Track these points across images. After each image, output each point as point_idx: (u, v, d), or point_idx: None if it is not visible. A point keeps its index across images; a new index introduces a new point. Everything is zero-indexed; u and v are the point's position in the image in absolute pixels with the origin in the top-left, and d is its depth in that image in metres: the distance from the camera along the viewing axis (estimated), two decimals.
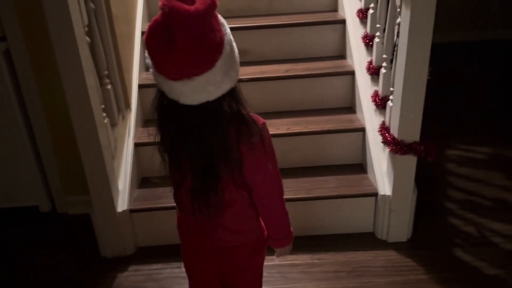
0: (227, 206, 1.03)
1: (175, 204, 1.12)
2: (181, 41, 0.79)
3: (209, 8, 0.81)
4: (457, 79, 3.52)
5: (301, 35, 2.40)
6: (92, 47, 1.74)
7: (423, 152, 1.68)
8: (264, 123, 1.03)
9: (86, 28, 1.66)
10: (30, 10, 1.80)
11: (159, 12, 0.83)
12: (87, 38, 1.66)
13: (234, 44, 0.90)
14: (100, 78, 1.83)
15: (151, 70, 0.89)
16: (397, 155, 1.71)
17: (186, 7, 0.79)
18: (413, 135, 1.69)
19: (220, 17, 0.88)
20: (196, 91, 0.85)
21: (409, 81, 1.59)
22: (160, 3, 0.80)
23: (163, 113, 0.95)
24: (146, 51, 0.89)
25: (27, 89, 1.96)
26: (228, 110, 0.92)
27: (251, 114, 0.99)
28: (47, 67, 1.90)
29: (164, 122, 0.96)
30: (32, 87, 1.95)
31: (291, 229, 1.14)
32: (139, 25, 2.35)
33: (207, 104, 0.88)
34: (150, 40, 0.84)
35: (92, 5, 1.74)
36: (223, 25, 0.88)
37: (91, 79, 1.65)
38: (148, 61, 0.89)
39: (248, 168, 0.99)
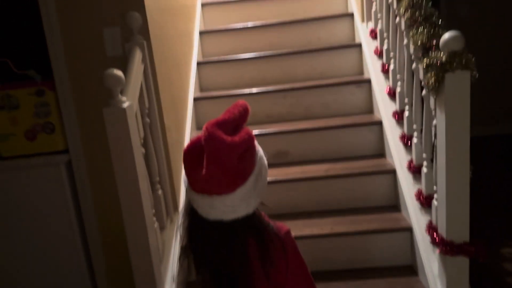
0: None
1: None
2: (208, 164, 0.88)
3: (243, 142, 0.89)
4: (499, 171, 3.45)
5: (338, 136, 2.50)
6: (146, 155, 1.88)
7: (474, 253, 1.62)
8: (287, 231, 1.05)
9: (142, 140, 1.82)
10: (91, 124, 2.00)
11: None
12: (142, 149, 1.81)
13: (265, 175, 0.96)
14: (152, 184, 1.95)
15: (183, 177, 0.97)
16: (448, 256, 1.66)
17: (224, 136, 0.88)
18: (462, 235, 1.65)
19: (258, 149, 0.96)
20: (213, 208, 0.92)
21: (452, 182, 1.60)
22: (204, 126, 0.91)
23: (188, 218, 1.00)
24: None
25: (84, 196, 2.10)
26: (242, 232, 0.95)
27: (273, 223, 1.02)
28: (103, 175, 2.05)
29: (190, 231, 1.01)
30: (88, 195, 2.10)
31: None
32: (188, 133, 2.54)
33: (222, 222, 0.93)
34: (188, 152, 0.94)
35: (147, 119, 1.93)
36: (259, 156, 0.95)
37: (144, 186, 1.76)
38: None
39: (281, 283, 1.00)
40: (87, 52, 1.94)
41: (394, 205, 2.25)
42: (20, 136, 2.00)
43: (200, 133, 0.94)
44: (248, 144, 0.91)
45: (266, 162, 0.98)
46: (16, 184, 2.07)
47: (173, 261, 2.00)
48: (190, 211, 0.97)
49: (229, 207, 0.92)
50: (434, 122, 1.71)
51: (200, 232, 0.97)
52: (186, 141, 2.50)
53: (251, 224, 0.97)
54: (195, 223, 0.97)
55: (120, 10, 1.87)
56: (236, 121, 0.93)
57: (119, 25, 1.89)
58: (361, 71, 2.89)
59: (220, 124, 0.90)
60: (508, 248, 2.44)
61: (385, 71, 2.53)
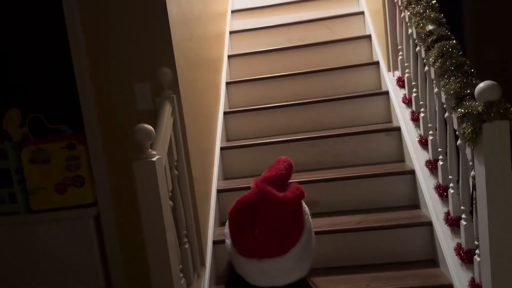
0: None
1: None
2: (262, 224, 0.83)
3: (297, 197, 0.86)
4: None
5: (369, 186, 2.43)
6: (173, 208, 1.86)
7: None
8: None
9: (170, 193, 1.81)
10: (120, 178, 2.00)
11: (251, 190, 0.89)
12: (170, 202, 1.79)
13: (313, 234, 0.92)
14: (179, 237, 1.91)
15: (227, 240, 0.92)
16: None
17: (275, 193, 0.84)
18: None
19: (304, 205, 0.92)
20: (263, 273, 0.85)
21: (496, 237, 1.50)
22: (252, 183, 0.87)
23: (231, 285, 0.95)
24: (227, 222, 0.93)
25: (111, 250, 2.07)
26: None
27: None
28: (130, 229, 2.03)
29: None
30: (115, 248, 2.07)
31: None
32: (214, 183, 2.52)
33: None
34: (235, 214, 0.89)
35: (176, 171, 1.92)
36: (306, 214, 0.91)
37: (171, 239, 1.72)
38: (226, 230, 0.92)
39: None
40: (118, 106, 1.98)
41: (432, 259, 2.13)
42: (51, 189, 2.01)
43: (247, 193, 0.90)
44: (300, 200, 0.87)
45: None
46: (45, 236, 2.06)
47: None
48: (234, 278, 0.91)
49: (282, 270, 0.86)
50: (472, 173, 1.64)
51: None
52: (213, 192, 2.47)
53: None
54: None
55: (151, 66, 1.92)
56: (283, 178, 0.90)
57: (149, 80, 1.94)
58: (389, 119, 2.85)
59: (269, 181, 0.87)
60: None
61: (415, 119, 2.48)
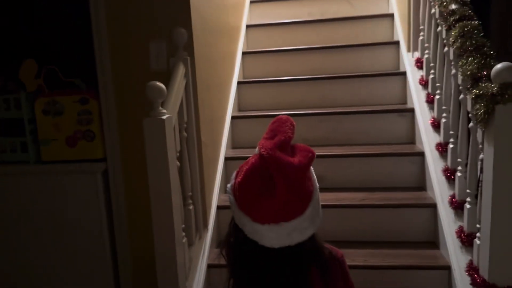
0: None
1: None
2: (281, 191, 0.83)
3: (310, 161, 0.87)
4: None
5: (377, 165, 2.42)
6: (180, 169, 1.89)
7: None
8: (342, 256, 1.01)
9: (178, 154, 1.83)
10: (130, 135, 2.03)
11: (254, 154, 0.88)
12: (178, 163, 1.81)
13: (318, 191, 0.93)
14: (184, 198, 1.94)
15: (234, 207, 0.92)
16: None
17: (290, 159, 0.84)
18: (506, 278, 1.53)
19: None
20: (280, 236, 0.86)
21: (497, 220, 1.50)
22: (262, 150, 0.85)
23: (239, 250, 0.95)
24: (231, 184, 0.92)
25: (117, 206, 2.12)
26: (308, 253, 0.91)
27: (328, 246, 0.98)
28: (137, 186, 2.07)
29: (238, 259, 0.96)
30: (121, 204, 2.11)
31: None
32: (223, 151, 2.54)
33: (287, 248, 0.88)
34: (247, 184, 0.87)
35: (185, 133, 1.94)
36: (312, 173, 0.92)
37: (176, 198, 1.75)
38: (231, 197, 0.92)
39: None
40: (132, 64, 1.99)
41: (433, 241, 2.14)
42: (62, 142, 2.05)
43: (253, 160, 0.88)
44: (312, 162, 0.87)
45: None
46: (53, 187, 2.11)
47: (198, 278, 1.97)
48: (243, 240, 0.91)
49: (298, 231, 0.87)
50: (481, 156, 1.63)
51: (261, 261, 0.90)
52: (221, 159, 2.49)
53: (314, 246, 0.93)
54: (254, 254, 0.91)
55: (167, 25, 1.92)
56: (291, 140, 0.90)
57: (165, 40, 1.93)
58: (404, 100, 2.82)
59: (280, 146, 0.86)
60: None
61: (430, 101, 2.45)
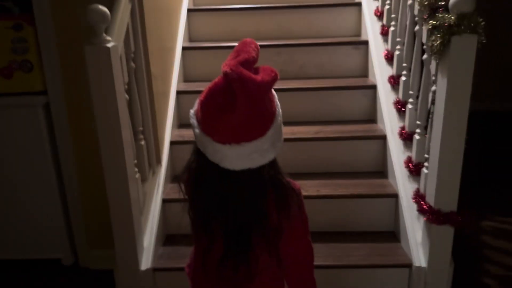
0: (256, 275, 0.98)
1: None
2: (242, 107, 0.81)
3: (273, 80, 0.84)
4: (495, 148, 3.46)
5: (331, 98, 2.43)
6: (130, 103, 1.79)
7: (461, 223, 1.60)
8: (299, 189, 1.01)
9: (126, 86, 1.72)
10: (72, 66, 1.88)
11: (219, 76, 0.85)
12: (126, 96, 1.71)
13: (281, 116, 0.91)
14: (135, 133, 1.86)
15: (196, 130, 0.89)
16: (433, 225, 1.64)
17: (253, 76, 0.82)
18: (451, 204, 1.62)
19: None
20: (241, 157, 0.86)
21: (446, 150, 1.55)
22: (225, 68, 0.82)
23: (200, 175, 0.94)
24: (194, 109, 0.90)
25: (62, 142, 2.01)
26: (267, 178, 0.91)
27: (287, 179, 0.98)
28: (83, 121, 1.95)
29: (199, 184, 0.95)
30: (66, 140, 2.00)
31: None
32: (174, 84, 2.43)
33: (247, 171, 0.88)
34: (208, 101, 0.85)
35: (133, 64, 1.82)
36: (275, 96, 0.91)
37: (127, 134, 1.67)
38: (194, 121, 0.89)
39: (284, 238, 0.96)
40: None
41: (382, 171, 2.22)
42: None
43: (216, 80, 0.86)
44: (275, 82, 0.85)
45: None
46: None
47: (153, 213, 1.95)
48: (205, 164, 0.90)
49: (258, 152, 0.86)
50: (433, 88, 1.65)
51: (222, 185, 0.90)
52: (172, 93, 2.39)
53: (275, 170, 0.93)
54: (214, 176, 0.90)
55: None
56: (255, 61, 0.87)
57: None
58: (358, 33, 2.78)
59: (243, 64, 0.83)
60: (489, 222, 2.46)
61: (384, 33, 2.43)
